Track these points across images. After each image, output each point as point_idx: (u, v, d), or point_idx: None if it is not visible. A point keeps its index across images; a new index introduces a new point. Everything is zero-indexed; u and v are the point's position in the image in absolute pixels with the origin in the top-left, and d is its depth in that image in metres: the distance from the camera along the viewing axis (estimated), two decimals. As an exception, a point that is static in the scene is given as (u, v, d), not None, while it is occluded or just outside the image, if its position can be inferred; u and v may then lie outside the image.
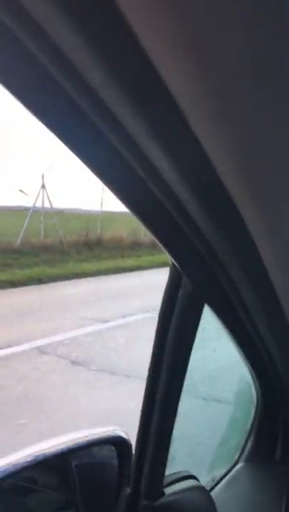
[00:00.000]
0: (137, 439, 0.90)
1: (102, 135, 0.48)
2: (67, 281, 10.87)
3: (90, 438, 0.87)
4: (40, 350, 5.49)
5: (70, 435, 0.86)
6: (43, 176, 14.67)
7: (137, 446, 0.90)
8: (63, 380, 4.64)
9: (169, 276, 0.85)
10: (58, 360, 5.19)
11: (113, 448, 0.92)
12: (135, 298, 8.96)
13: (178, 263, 0.77)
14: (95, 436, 0.89)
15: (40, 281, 10.52)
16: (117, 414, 3.90)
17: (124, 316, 7.35)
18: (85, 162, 0.52)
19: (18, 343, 5.69)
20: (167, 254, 0.76)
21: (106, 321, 6.98)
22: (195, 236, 0.66)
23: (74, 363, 5.13)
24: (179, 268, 0.79)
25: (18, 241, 13.74)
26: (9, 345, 5.59)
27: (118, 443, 0.93)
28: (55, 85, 0.41)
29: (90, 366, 5.04)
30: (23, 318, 6.99)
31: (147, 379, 0.89)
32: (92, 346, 5.75)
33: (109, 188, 0.57)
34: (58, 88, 0.41)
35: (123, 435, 0.93)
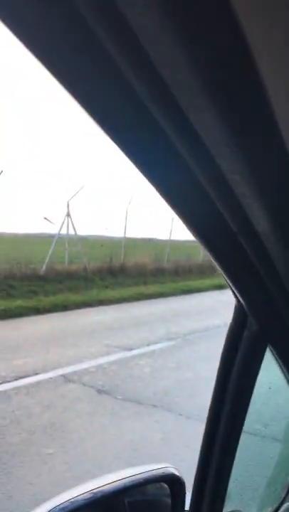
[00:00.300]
0: (196, 478, 0.89)
1: (183, 165, 0.46)
2: (92, 308, 10.92)
3: (143, 475, 0.87)
4: (66, 378, 5.50)
5: (121, 472, 0.87)
6: (68, 205, 14.93)
7: (195, 485, 0.89)
8: (89, 408, 4.63)
9: (234, 314, 0.83)
10: (84, 389, 5.19)
11: (166, 486, 0.91)
12: (159, 325, 8.94)
13: (245, 302, 0.74)
14: (148, 474, 0.89)
15: (65, 308, 10.61)
16: (145, 445, 3.88)
17: (148, 344, 7.32)
18: (161, 190, 0.50)
19: (44, 371, 5.73)
20: (234, 292, 0.73)
21: (131, 349, 6.97)
22: (268, 275, 0.62)
23: (100, 391, 5.12)
24: (245, 307, 0.76)
25: (44, 268, 13.92)
26: (36, 373, 5.63)
27: (171, 480, 0.91)
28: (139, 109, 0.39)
29: (115, 395, 5.02)
30: (49, 345, 7.04)
31: (207, 418, 0.88)
32: (117, 375, 5.73)
33: (179, 216, 0.54)
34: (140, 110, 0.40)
35: (176, 473, 0.91)
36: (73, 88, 0.38)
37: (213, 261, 0.64)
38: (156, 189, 0.50)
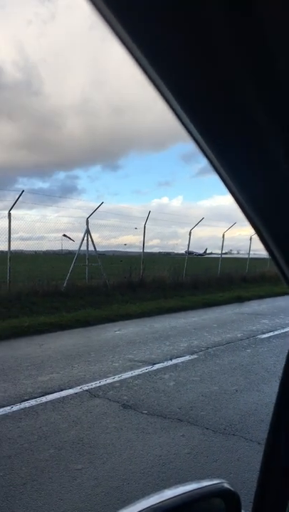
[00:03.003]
0: (256, 494, 0.90)
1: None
2: (113, 323, 10.96)
3: (199, 491, 0.88)
4: (92, 394, 5.53)
5: (177, 488, 0.88)
6: (87, 222, 15.10)
7: (255, 502, 0.90)
8: (115, 423, 4.65)
9: None
10: (109, 404, 5.21)
11: (222, 501, 0.91)
12: (181, 339, 8.93)
13: None
14: (204, 490, 0.89)
15: (86, 323, 10.67)
16: (173, 461, 3.87)
17: (171, 358, 7.32)
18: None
19: (69, 386, 5.78)
20: None
21: (154, 363, 6.98)
22: None
23: (125, 406, 5.14)
24: None
25: (65, 284, 14.06)
26: (61, 389, 5.68)
27: (226, 496, 0.91)
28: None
29: (141, 410, 5.03)
30: (73, 361, 7.09)
31: (268, 435, 0.89)
32: (141, 389, 5.74)
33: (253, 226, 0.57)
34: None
35: (231, 488, 0.91)
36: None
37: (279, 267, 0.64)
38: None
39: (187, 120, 0.44)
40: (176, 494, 0.84)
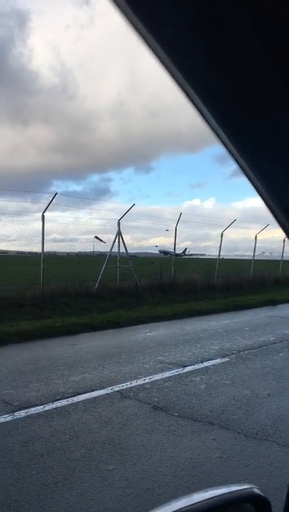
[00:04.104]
0: (287, 500, 0.89)
1: None
2: (144, 325, 10.98)
3: (229, 496, 0.87)
4: (122, 394, 5.56)
5: (206, 492, 0.87)
6: (119, 224, 15.18)
7: (287, 508, 0.89)
8: (146, 425, 4.65)
9: None
10: (140, 405, 5.22)
11: (252, 507, 0.89)
12: (212, 342, 8.87)
13: None
14: (234, 494, 0.88)
15: (117, 324, 10.73)
16: (203, 464, 3.84)
17: (202, 361, 7.27)
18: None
19: (100, 387, 5.82)
20: None
21: (184, 366, 6.95)
22: None
23: (156, 408, 5.14)
24: None
25: (96, 285, 14.18)
26: (92, 389, 5.73)
27: (257, 501, 0.89)
28: None
29: (171, 412, 5.01)
30: (104, 361, 7.15)
31: None
32: (172, 391, 5.73)
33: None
34: None
35: (261, 493, 0.90)
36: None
37: None
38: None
39: (215, 123, 0.44)
40: (206, 498, 0.83)
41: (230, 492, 0.86)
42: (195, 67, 0.39)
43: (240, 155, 0.48)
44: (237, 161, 0.49)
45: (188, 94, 0.42)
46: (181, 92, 0.42)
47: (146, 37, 0.37)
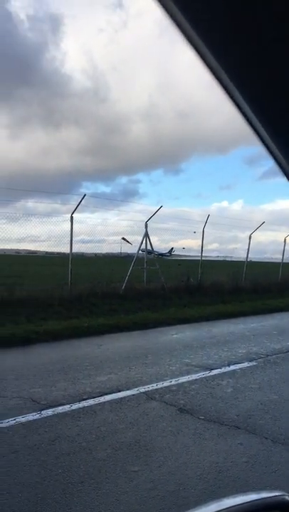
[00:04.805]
0: None
1: None
2: (170, 327, 10.95)
3: (260, 502, 0.86)
4: (148, 396, 5.56)
5: (235, 497, 0.86)
6: (146, 225, 15.21)
7: None
8: (172, 427, 4.63)
9: None
10: (166, 407, 5.21)
11: None
12: (239, 345, 8.78)
13: None
14: (265, 501, 0.86)
15: (144, 326, 10.74)
16: (229, 468, 3.81)
17: (229, 364, 7.21)
18: None
19: (127, 388, 5.83)
20: None
21: (211, 369, 6.90)
22: None
23: (182, 410, 5.11)
24: None
25: (123, 287, 14.24)
26: (119, 390, 5.75)
27: (287, 509, 0.88)
28: None
29: (197, 415, 4.98)
30: (131, 362, 7.16)
31: None
32: (198, 394, 5.69)
33: None
34: None
35: None
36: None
37: None
38: None
39: (256, 121, 0.44)
40: (235, 504, 0.82)
41: (260, 499, 0.85)
42: (236, 63, 0.39)
43: (281, 153, 0.47)
44: (276, 160, 0.48)
45: (229, 93, 0.42)
46: (222, 90, 0.42)
47: (189, 33, 0.37)
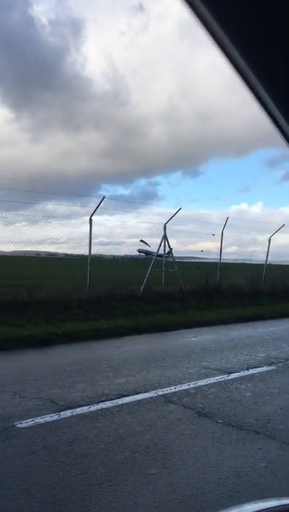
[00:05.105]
0: None
1: None
2: (188, 330, 10.92)
3: (279, 509, 0.84)
4: (166, 399, 5.54)
5: (256, 504, 0.85)
6: (164, 227, 15.20)
7: None
8: (190, 431, 4.61)
9: None
10: (184, 410, 5.18)
11: None
12: (258, 349, 8.69)
13: None
14: (285, 508, 0.84)
15: (162, 328, 10.72)
16: (248, 473, 3.77)
17: (248, 368, 7.14)
18: None
19: (145, 390, 5.83)
20: None
21: (230, 372, 6.85)
22: None
23: (200, 414, 5.08)
24: None
25: (141, 289, 14.25)
26: (137, 392, 5.75)
27: None
28: None
29: (216, 419, 4.95)
30: (149, 365, 7.16)
31: None
32: (217, 398, 5.65)
33: None
34: None
35: None
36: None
37: None
38: None
39: (283, 121, 0.43)
40: (256, 510, 0.81)
41: (281, 505, 0.84)
42: (263, 61, 0.38)
43: None
44: None
45: (255, 92, 0.41)
46: (248, 91, 0.41)
47: (217, 32, 0.37)
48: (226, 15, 0.35)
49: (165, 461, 3.94)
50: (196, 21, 0.36)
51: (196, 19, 0.36)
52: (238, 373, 6.84)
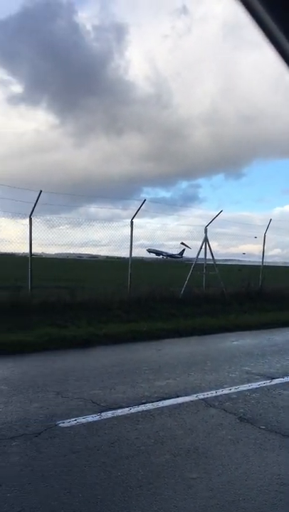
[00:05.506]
0: None
1: None
2: (230, 333, 10.79)
3: None
4: (207, 403, 5.49)
5: None
6: (205, 230, 15.09)
7: None
8: (231, 436, 4.54)
9: None
10: (226, 415, 5.12)
11: None
12: (302, 354, 8.47)
13: None
14: None
15: (202, 331, 10.65)
16: (292, 481, 3.68)
17: (292, 374, 6.97)
18: None
19: (185, 394, 5.80)
20: None
21: (272, 378, 6.71)
22: None
23: (242, 419, 5.01)
24: None
25: (182, 291, 14.19)
26: (177, 395, 5.72)
27: None
28: None
29: (258, 424, 4.86)
30: (189, 368, 7.12)
31: None
32: (259, 403, 5.55)
33: None
34: None
35: None
36: None
37: None
38: None
39: None
40: None
41: None
42: None
43: None
44: None
45: None
46: None
47: (273, 31, 0.36)
48: (283, 13, 0.35)
49: (206, 466, 3.91)
50: (251, 21, 0.36)
51: (251, 19, 0.36)
52: (281, 379, 6.69)
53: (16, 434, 4.42)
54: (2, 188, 15.55)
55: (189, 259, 18.15)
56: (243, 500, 3.39)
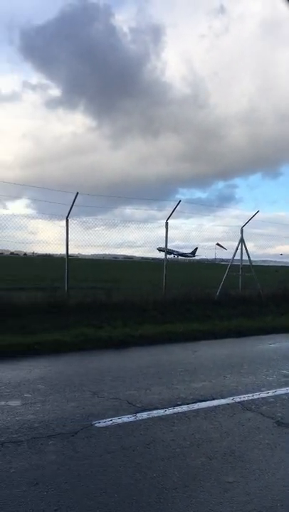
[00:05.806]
0: None
1: None
2: (266, 336, 10.62)
3: None
4: (244, 406, 5.41)
5: None
6: (242, 231, 14.90)
7: None
8: (269, 440, 4.46)
9: None
10: (263, 419, 5.03)
11: None
12: None
13: None
14: None
15: (238, 333, 10.52)
16: None
17: None
18: None
19: (221, 396, 5.73)
20: None
21: (311, 382, 6.55)
22: None
23: (279, 423, 4.91)
24: None
25: (217, 293, 14.07)
26: (213, 398, 5.67)
27: None
28: None
29: (296, 429, 4.75)
30: (225, 370, 7.04)
31: None
32: (297, 408, 5.43)
33: None
34: None
35: None
36: None
37: None
38: None
39: None
40: None
41: None
42: None
43: None
44: None
45: None
46: None
47: None
48: None
49: (243, 470, 3.85)
50: None
51: None
52: None
53: (53, 433, 4.49)
54: (40, 191, 15.85)
55: (224, 260, 17.97)
56: (281, 506, 3.32)
